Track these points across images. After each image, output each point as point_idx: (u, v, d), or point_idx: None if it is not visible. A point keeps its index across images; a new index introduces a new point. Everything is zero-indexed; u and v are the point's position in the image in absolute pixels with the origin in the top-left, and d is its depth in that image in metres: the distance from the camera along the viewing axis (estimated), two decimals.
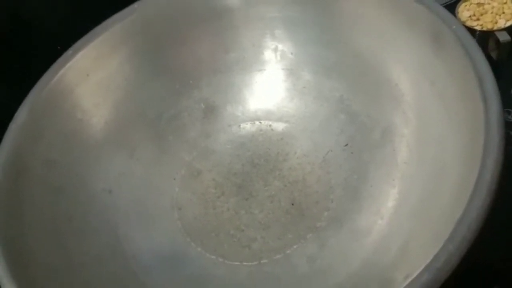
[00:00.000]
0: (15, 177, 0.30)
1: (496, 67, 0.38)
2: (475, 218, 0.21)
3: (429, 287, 0.20)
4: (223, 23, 0.38)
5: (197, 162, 0.37)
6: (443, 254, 0.20)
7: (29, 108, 0.33)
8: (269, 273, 0.31)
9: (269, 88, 0.39)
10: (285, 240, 0.32)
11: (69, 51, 0.35)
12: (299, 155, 0.36)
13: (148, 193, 0.35)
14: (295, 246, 0.31)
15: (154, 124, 0.37)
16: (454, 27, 0.28)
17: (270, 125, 0.38)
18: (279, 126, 0.37)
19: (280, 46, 0.38)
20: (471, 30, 0.39)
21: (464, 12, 0.40)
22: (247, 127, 0.38)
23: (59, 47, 0.36)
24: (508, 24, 0.39)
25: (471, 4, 0.41)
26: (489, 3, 0.40)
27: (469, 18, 0.40)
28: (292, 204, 0.33)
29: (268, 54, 0.39)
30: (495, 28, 0.39)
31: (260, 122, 0.38)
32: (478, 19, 0.40)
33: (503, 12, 0.40)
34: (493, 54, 0.39)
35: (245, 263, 0.31)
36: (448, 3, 0.42)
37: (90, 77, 0.35)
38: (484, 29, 0.39)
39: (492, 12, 0.40)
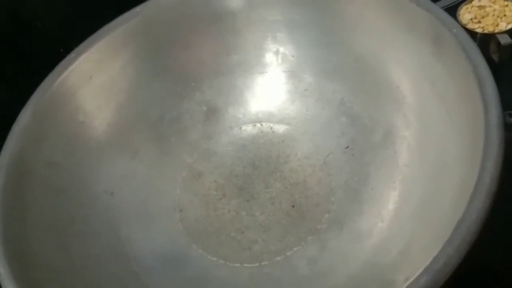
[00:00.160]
0: (17, 179, 0.30)
1: (497, 69, 0.38)
2: (474, 220, 0.21)
3: None
4: (225, 26, 0.38)
5: (199, 164, 0.37)
6: (442, 256, 0.20)
7: (32, 110, 0.33)
8: (270, 275, 0.31)
9: (271, 91, 0.39)
10: (286, 242, 0.32)
11: (72, 54, 0.35)
12: (300, 157, 0.36)
13: (149, 194, 0.35)
14: (295, 248, 0.31)
15: (156, 126, 0.38)
16: (454, 30, 0.28)
17: (271, 127, 0.38)
18: (280, 128, 0.37)
19: (281, 49, 0.38)
20: (472, 33, 0.39)
21: (466, 14, 0.40)
22: (249, 129, 0.38)
23: (61, 50, 0.36)
24: (509, 26, 0.39)
25: (472, 6, 0.41)
26: (490, 6, 0.40)
27: (470, 21, 0.40)
28: (293, 206, 0.33)
29: (269, 57, 0.39)
30: (496, 30, 0.39)
31: (261, 124, 0.38)
32: (479, 22, 0.40)
33: (505, 15, 0.40)
34: (495, 57, 0.39)
35: (246, 265, 0.31)
36: (450, 5, 0.42)
37: (92, 80, 0.36)
38: (485, 31, 0.39)
39: (493, 15, 0.40)
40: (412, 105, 0.32)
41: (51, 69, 0.35)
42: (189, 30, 0.38)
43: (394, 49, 0.33)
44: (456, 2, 0.42)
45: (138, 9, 0.37)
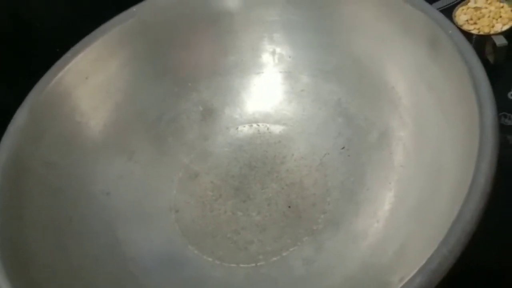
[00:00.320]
0: (14, 179, 0.30)
1: (493, 70, 0.38)
2: (469, 220, 0.21)
3: None
4: (222, 26, 0.38)
5: (195, 165, 0.37)
6: (437, 256, 0.20)
7: (28, 110, 0.33)
8: (266, 275, 0.31)
9: (267, 91, 0.39)
10: (282, 243, 0.32)
11: (68, 54, 0.35)
12: (297, 157, 0.36)
13: (146, 195, 0.35)
14: (291, 249, 0.31)
15: (152, 126, 0.37)
16: (450, 32, 0.28)
17: (268, 128, 0.38)
18: (277, 129, 0.38)
19: (278, 49, 0.38)
20: (468, 34, 0.39)
21: (461, 16, 0.40)
22: (245, 129, 0.38)
23: (58, 50, 0.36)
24: (505, 28, 0.39)
25: (468, 8, 0.41)
26: (486, 7, 0.41)
27: (466, 22, 0.40)
28: (289, 207, 0.33)
29: (266, 57, 0.39)
30: (492, 32, 0.39)
31: (258, 125, 0.38)
32: (475, 23, 0.40)
33: (500, 16, 0.40)
34: (490, 58, 0.39)
35: (242, 265, 0.31)
36: (446, 7, 0.42)
37: (89, 80, 0.35)
38: (481, 33, 0.39)
39: (489, 16, 0.40)
40: (407, 106, 0.32)
41: (47, 68, 0.35)
42: (186, 30, 0.38)
43: (390, 50, 0.33)
44: (452, 4, 0.42)
45: (134, 9, 0.37)
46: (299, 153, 0.36)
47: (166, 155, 0.37)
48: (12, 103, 0.34)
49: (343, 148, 0.35)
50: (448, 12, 0.40)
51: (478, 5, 0.41)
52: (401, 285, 0.21)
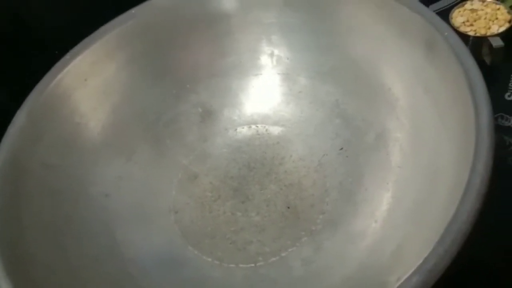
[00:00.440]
0: (13, 180, 0.31)
1: (490, 72, 0.38)
2: (465, 221, 0.21)
3: None
4: (220, 28, 0.38)
5: (194, 166, 0.37)
6: (433, 256, 0.21)
7: (28, 112, 0.33)
8: (265, 275, 0.31)
9: (266, 93, 0.39)
10: (281, 243, 0.32)
11: (67, 56, 0.35)
12: (295, 158, 0.36)
13: (145, 196, 0.35)
14: (290, 249, 0.32)
15: (151, 128, 0.38)
16: (446, 34, 0.28)
17: (266, 129, 0.38)
18: (275, 130, 0.38)
19: (276, 51, 0.39)
20: (465, 36, 0.39)
21: (458, 18, 0.41)
22: (244, 131, 0.38)
23: (56, 52, 0.36)
24: (501, 30, 0.39)
25: (464, 10, 0.41)
26: (482, 9, 0.41)
27: (463, 24, 0.40)
28: (288, 207, 0.34)
29: (264, 59, 0.39)
30: (488, 33, 0.39)
31: (257, 126, 0.38)
32: (471, 25, 0.40)
33: (496, 18, 0.40)
34: (487, 59, 0.40)
35: (241, 266, 0.32)
36: (442, 9, 0.42)
37: (88, 82, 0.36)
38: (478, 34, 0.39)
39: (485, 18, 0.40)
40: (404, 107, 0.32)
41: (47, 70, 0.35)
42: (184, 32, 0.38)
43: (387, 52, 0.33)
44: (449, 6, 0.42)
45: (133, 11, 0.37)
46: (297, 154, 0.36)
47: (165, 156, 0.37)
48: (11, 105, 0.34)
49: (341, 149, 0.35)
50: (444, 14, 0.41)
51: (474, 7, 0.41)
52: (398, 284, 0.21)
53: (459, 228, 0.21)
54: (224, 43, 0.39)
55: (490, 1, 0.41)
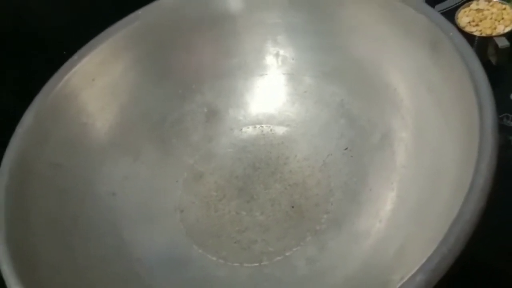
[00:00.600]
0: (21, 180, 0.31)
1: (495, 72, 0.38)
2: (468, 220, 0.21)
3: None
4: (226, 29, 0.38)
5: (200, 165, 0.37)
6: (436, 255, 0.21)
7: (35, 112, 0.33)
8: (269, 274, 0.31)
9: (271, 93, 0.39)
10: (285, 242, 0.32)
11: (75, 56, 0.36)
12: (300, 158, 0.36)
13: (151, 195, 0.36)
14: (295, 248, 0.32)
15: (157, 128, 0.38)
16: (451, 34, 0.28)
17: (271, 129, 0.38)
18: (280, 130, 0.38)
19: (281, 52, 0.39)
20: (470, 36, 0.39)
21: (464, 18, 0.41)
22: (249, 131, 0.38)
23: (64, 52, 0.37)
24: (507, 30, 0.39)
25: (470, 10, 0.41)
26: (488, 9, 0.41)
27: (469, 24, 0.40)
28: (292, 207, 0.34)
29: (269, 59, 0.39)
30: (494, 34, 0.39)
31: (262, 126, 0.38)
32: (477, 25, 0.40)
33: (502, 18, 0.40)
34: (492, 60, 0.40)
35: (245, 265, 0.32)
36: (448, 9, 0.42)
37: (95, 82, 0.36)
38: (483, 34, 0.39)
39: (491, 18, 0.40)
40: (409, 107, 0.32)
41: (54, 72, 0.35)
42: (190, 33, 0.38)
43: (392, 52, 0.33)
44: (454, 6, 0.42)
45: (139, 12, 0.37)
46: (302, 154, 0.36)
47: (171, 156, 0.37)
48: (18, 106, 0.34)
49: (346, 149, 0.35)
50: (450, 14, 0.41)
51: (480, 7, 0.41)
52: (401, 283, 0.21)
53: (462, 228, 0.21)
54: (229, 43, 0.39)
55: (496, 1, 0.41)
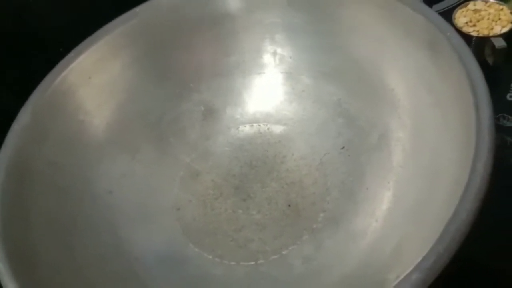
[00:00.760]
0: (17, 178, 0.31)
1: (492, 72, 0.38)
2: (464, 220, 0.21)
3: (418, 287, 0.20)
4: (224, 27, 0.38)
5: (196, 164, 0.37)
6: (432, 254, 0.21)
7: (32, 109, 0.33)
8: (266, 273, 0.31)
9: (268, 91, 0.39)
10: (282, 241, 0.32)
11: (71, 54, 0.36)
12: (297, 157, 0.36)
13: (148, 194, 0.36)
14: (291, 247, 0.32)
15: (155, 126, 0.38)
16: (448, 34, 0.29)
17: (269, 128, 0.38)
18: (277, 129, 0.38)
19: (279, 50, 0.39)
20: (468, 36, 0.39)
21: (461, 18, 0.41)
22: (246, 129, 0.38)
23: (61, 49, 0.37)
24: (504, 30, 0.39)
25: (467, 10, 0.41)
26: (485, 10, 0.41)
27: (466, 24, 0.40)
28: (289, 206, 0.34)
29: (267, 58, 0.39)
30: (491, 34, 0.39)
31: (259, 125, 0.38)
32: (474, 25, 0.40)
33: (499, 19, 0.40)
34: (489, 60, 0.40)
35: (242, 263, 0.32)
36: (445, 9, 0.42)
37: (92, 80, 0.36)
38: (481, 35, 0.39)
39: (488, 19, 0.40)
40: (407, 107, 0.32)
41: (50, 69, 0.35)
42: (188, 31, 0.38)
43: (390, 52, 0.33)
44: (452, 6, 0.42)
45: (137, 9, 0.37)
46: (299, 153, 0.36)
47: (168, 154, 0.37)
48: (15, 104, 0.34)
49: (342, 148, 0.35)
50: (447, 14, 0.41)
51: (477, 7, 0.41)
52: (396, 282, 0.21)
53: (458, 227, 0.21)
54: (227, 42, 0.39)
55: (493, 2, 0.41)
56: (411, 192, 0.30)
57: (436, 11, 0.32)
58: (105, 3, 0.50)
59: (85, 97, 0.36)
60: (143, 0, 0.38)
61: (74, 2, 0.54)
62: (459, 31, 0.39)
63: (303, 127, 0.37)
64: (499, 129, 0.35)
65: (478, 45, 0.39)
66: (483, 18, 0.40)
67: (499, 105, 0.38)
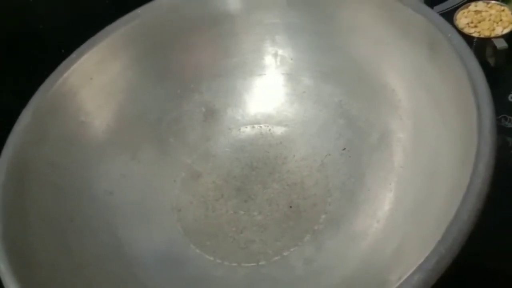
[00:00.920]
0: (18, 178, 0.31)
1: (494, 73, 0.38)
2: (466, 220, 0.21)
3: None
4: (224, 29, 0.38)
5: (197, 165, 0.37)
6: (434, 255, 0.21)
7: (33, 110, 0.33)
8: (267, 274, 0.31)
9: (269, 93, 0.39)
10: (283, 242, 0.32)
11: (73, 55, 0.36)
12: (298, 158, 0.36)
13: (148, 195, 0.36)
14: (292, 248, 0.32)
15: (155, 127, 0.38)
16: (449, 35, 0.29)
17: (270, 129, 0.38)
18: (279, 130, 0.38)
19: (280, 51, 0.39)
20: (469, 37, 0.39)
21: (462, 19, 0.41)
22: (247, 130, 0.38)
23: (62, 51, 0.37)
24: (505, 31, 0.39)
25: (469, 11, 0.41)
26: (486, 11, 0.41)
27: (467, 25, 0.40)
28: (290, 207, 0.34)
29: (268, 59, 0.39)
30: (492, 35, 0.39)
31: (260, 126, 0.38)
32: (475, 26, 0.40)
33: (501, 20, 0.40)
34: (491, 61, 0.40)
35: (243, 265, 0.32)
36: (447, 10, 0.42)
37: (93, 81, 0.36)
38: (482, 36, 0.39)
39: (489, 20, 0.40)
40: (407, 108, 0.32)
41: (52, 71, 0.35)
42: (189, 32, 0.38)
43: (391, 53, 0.33)
44: (453, 7, 0.42)
45: (138, 11, 0.37)
46: (300, 154, 0.36)
47: (168, 155, 0.37)
48: (16, 105, 0.34)
49: (344, 149, 0.35)
50: (449, 15, 0.41)
51: (478, 8, 0.41)
52: (399, 283, 0.21)
53: (460, 228, 0.21)
54: (228, 43, 0.39)
55: (494, 3, 0.41)
56: (412, 193, 0.30)
57: (437, 12, 0.32)
58: (105, 4, 0.50)
59: (86, 98, 0.36)
60: (143, 0, 0.38)
61: (74, 3, 0.54)
62: (460, 32, 0.39)
63: (304, 128, 0.37)
64: (500, 130, 0.35)
65: (479, 46, 0.39)
66: (484, 19, 0.40)
67: (500, 106, 0.38)
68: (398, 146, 0.32)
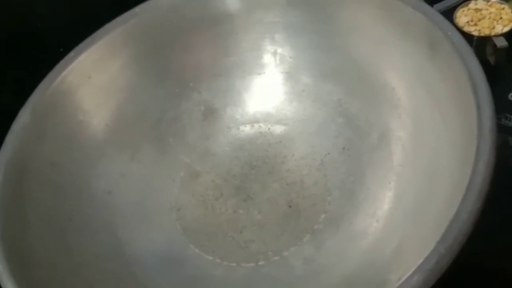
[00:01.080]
0: (17, 178, 0.31)
1: (494, 72, 0.38)
2: (466, 220, 0.21)
3: None
4: (224, 27, 0.38)
5: (197, 164, 0.37)
6: (434, 255, 0.21)
7: (32, 109, 0.33)
8: (266, 274, 0.31)
9: (269, 91, 0.39)
10: (282, 242, 0.32)
11: (71, 53, 0.36)
12: (297, 157, 0.36)
13: (147, 194, 0.35)
14: (292, 248, 0.32)
15: (154, 126, 0.38)
16: (449, 33, 0.28)
17: (269, 128, 0.38)
18: (278, 129, 0.38)
19: (279, 50, 0.39)
20: (469, 36, 0.39)
21: (462, 17, 0.41)
22: (246, 129, 0.38)
23: (61, 49, 0.36)
24: (505, 29, 0.39)
25: (469, 9, 0.41)
26: (486, 9, 0.41)
27: (467, 24, 0.40)
28: (290, 206, 0.34)
29: (267, 58, 0.39)
30: (492, 33, 0.39)
31: (259, 125, 0.38)
32: (475, 25, 0.40)
33: (501, 18, 0.40)
34: (491, 59, 0.40)
35: (242, 264, 0.32)
36: (446, 8, 0.42)
37: (92, 79, 0.36)
38: (482, 34, 0.39)
39: (489, 18, 0.40)
40: (407, 107, 0.32)
41: (51, 69, 0.35)
42: (188, 31, 0.38)
43: (390, 51, 0.33)
44: (453, 5, 0.42)
45: (137, 9, 0.37)
46: (299, 153, 0.36)
47: (167, 154, 0.37)
48: (11, 105, 0.34)
49: (343, 148, 0.35)
50: (449, 13, 0.41)
51: (478, 6, 0.41)
52: (399, 283, 0.21)
53: (460, 228, 0.21)
54: (227, 42, 0.39)
55: (494, 1, 0.41)
56: (412, 192, 0.30)
57: (437, 10, 0.32)
58: (105, 3, 0.50)
59: (85, 97, 0.36)
60: (143, 0, 0.38)
61: (74, 2, 0.54)
62: (460, 30, 0.39)
63: (304, 127, 0.37)
64: (500, 129, 0.35)
65: (479, 45, 0.39)
66: (484, 17, 0.40)
67: (500, 105, 0.37)
68: (398, 145, 0.32)
